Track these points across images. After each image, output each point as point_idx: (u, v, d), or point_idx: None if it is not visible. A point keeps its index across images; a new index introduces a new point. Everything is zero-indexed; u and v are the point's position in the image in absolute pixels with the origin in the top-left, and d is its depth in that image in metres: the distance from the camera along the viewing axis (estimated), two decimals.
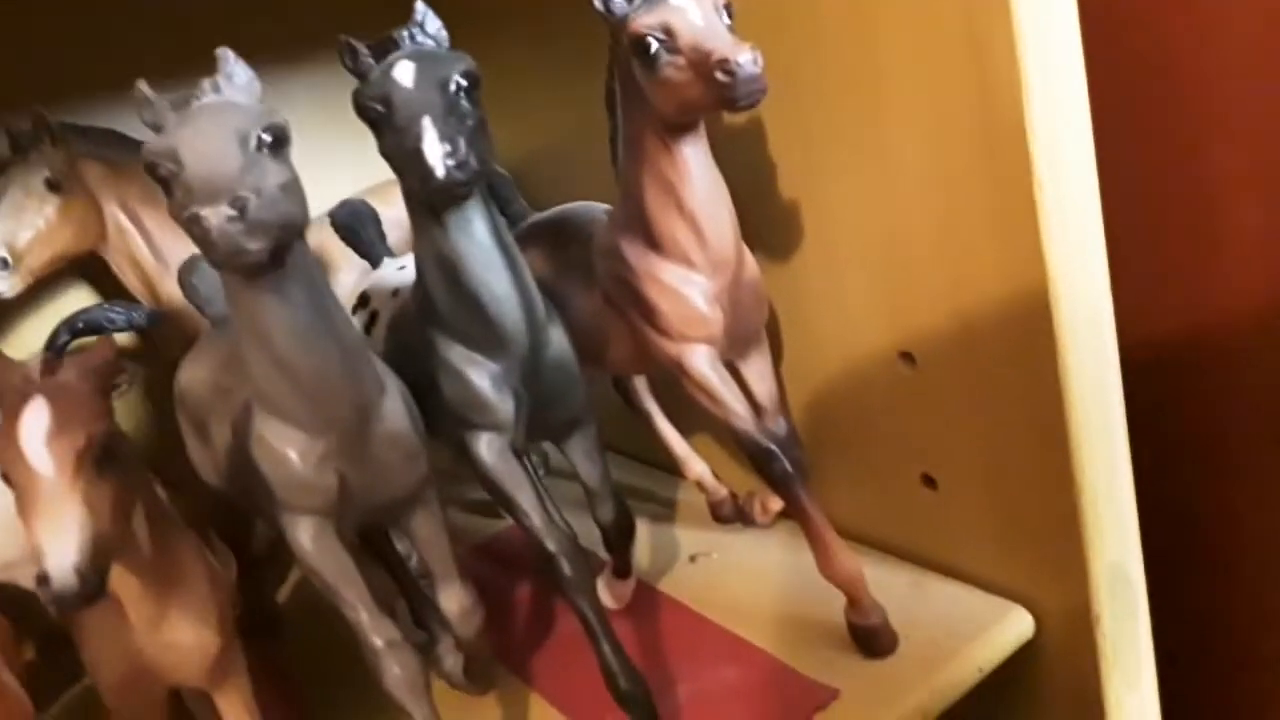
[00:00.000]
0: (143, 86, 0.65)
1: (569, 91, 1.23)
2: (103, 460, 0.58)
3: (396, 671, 0.73)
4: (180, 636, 0.67)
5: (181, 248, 1.11)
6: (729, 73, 0.72)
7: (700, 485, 1.18)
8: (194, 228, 0.58)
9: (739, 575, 1.06)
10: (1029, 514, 0.88)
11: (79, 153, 1.13)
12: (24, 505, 0.55)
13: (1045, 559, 0.89)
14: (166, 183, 0.61)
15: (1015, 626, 0.90)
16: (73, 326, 1.05)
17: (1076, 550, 0.85)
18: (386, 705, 0.78)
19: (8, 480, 0.56)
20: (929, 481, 0.96)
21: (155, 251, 1.16)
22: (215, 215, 0.56)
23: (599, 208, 0.99)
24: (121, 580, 0.62)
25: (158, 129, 0.63)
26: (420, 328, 0.83)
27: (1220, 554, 1.18)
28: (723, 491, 1.17)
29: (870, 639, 0.87)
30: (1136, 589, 0.89)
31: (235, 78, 0.65)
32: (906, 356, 0.93)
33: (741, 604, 1.00)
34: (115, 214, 1.15)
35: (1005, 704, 0.96)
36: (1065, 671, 0.91)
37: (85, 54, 1.22)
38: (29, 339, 1.20)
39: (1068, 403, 0.82)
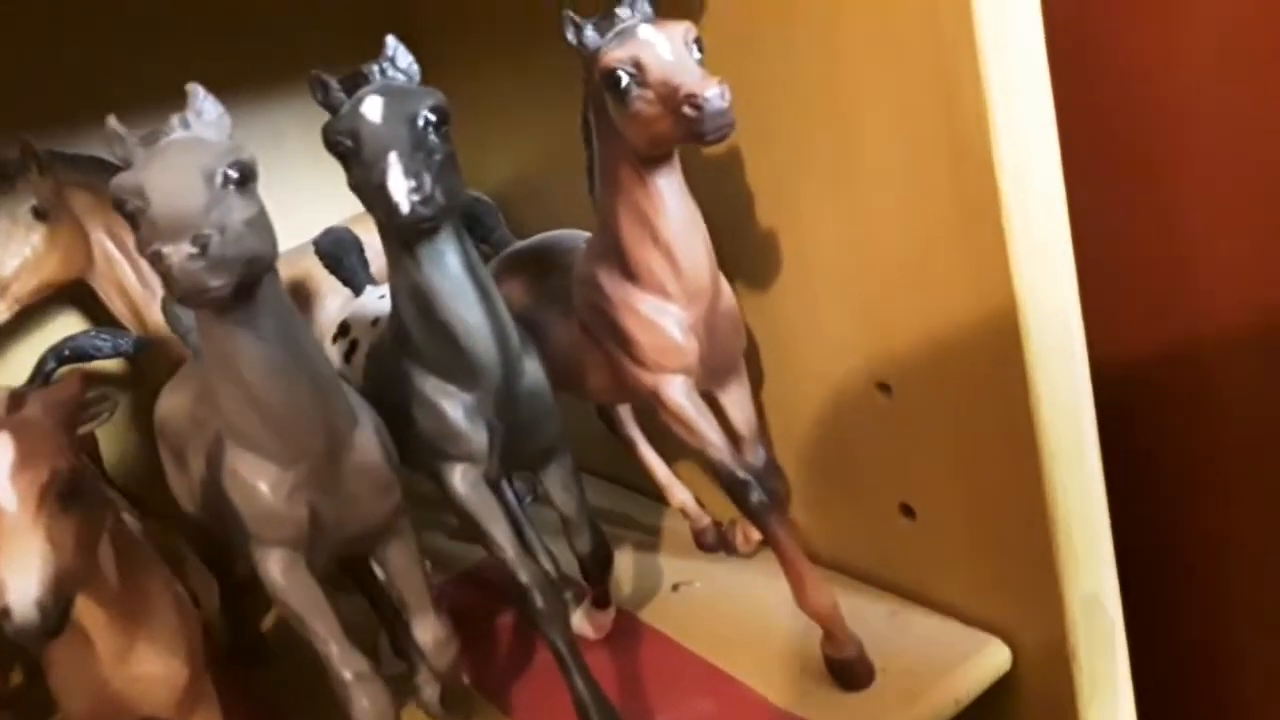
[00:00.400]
0: (112, 122, 0.65)
1: (553, 120, 1.23)
2: (66, 495, 0.58)
3: (365, 704, 0.73)
4: (148, 668, 0.67)
5: None
6: (696, 107, 0.73)
7: (684, 512, 1.18)
8: (157, 265, 0.58)
9: (721, 605, 1.06)
10: (1005, 544, 0.88)
11: (66, 181, 1.15)
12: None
13: (1021, 590, 0.88)
14: (133, 218, 0.62)
15: (992, 659, 0.90)
16: (59, 353, 1.06)
17: (1051, 582, 0.85)
18: None
19: None
20: (907, 511, 0.96)
21: (142, 279, 1.17)
22: (177, 253, 0.57)
23: (581, 236, 1.00)
24: (88, 612, 0.63)
25: (127, 164, 0.64)
26: (395, 359, 0.83)
27: (1201, 576, 1.18)
28: (706, 519, 1.17)
29: (846, 672, 0.87)
30: (1113, 620, 0.89)
31: (205, 113, 0.66)
32: (883, 387, 0.93)
33: (722, 634, 1.00)
34: (102, 241, 1.16)
35: None
36: (1043, 704, 0.90)
37: (74, 83, 1.23)
38: (16, 366, 1.20)
39: (1040, 432, 0.82)
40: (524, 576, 0.81)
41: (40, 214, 1.12)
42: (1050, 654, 0.88)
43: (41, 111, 1.21)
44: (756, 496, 0.86)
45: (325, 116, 0.75)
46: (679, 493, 1.18)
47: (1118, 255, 1.11)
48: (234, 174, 0.62)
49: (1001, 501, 0.87)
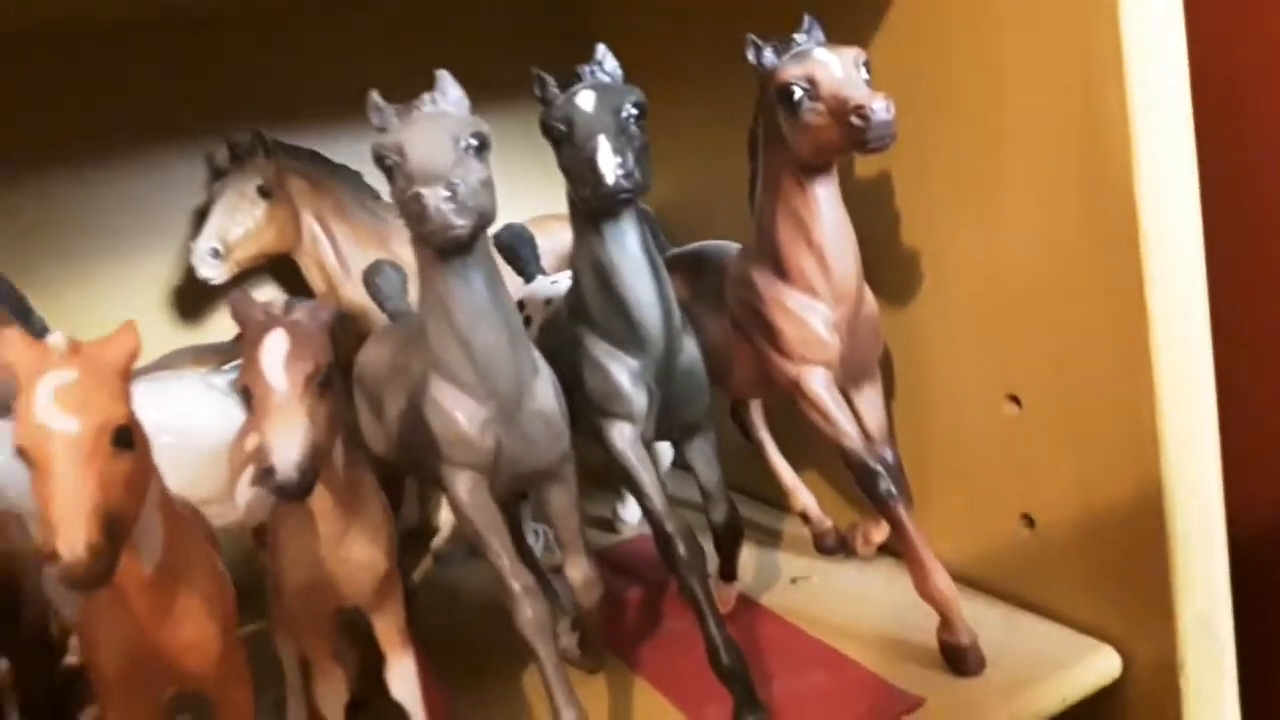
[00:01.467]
0: (374, 96, 0.79)
1: (705, 147, 1.35)
2: (323, 385, 0.70)
3: (529, 614, 0.82)
4: (357, 554, 0.78)
5: (362, 257, 1.27)
6: (864, 117, 0.82)
7: (805, 516, 1.25)
8: (414, 205, 0.70)
9: (837, 597, 1.12)
10: (1122, 559, 0.93)
11: (287, 166, 1.31)
12: (260, 414, 0.67)
13: (1135, 604, 0.92)
14: (391, 171, 0.74)
15: (1102, 664, 0.93)
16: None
17: (1165, 599, 0.89)
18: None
19: (248, 393, 0.69)
20: (1027, 521, 1.01)
21: (340, 259, 1.32)
22: (433, 195, 0.69)
23: (732, 245, 1.09)
24: (317, 496, 0.74)
25: (383, 130, 0.77)
26: (570, 326, 0.94)
27: None
28: (827, 523, 1.23)
29: (959, 657, 0.92)
30: (1223, 639, 0.92)
31: (448, 94, 0.79)
32: (1013, 399, 0.99)
33: (837, 622, 1.06)
34: (310, 223, 1.32)
35: None
36: (1149, 714, 0.94)
37: (293, 86, 1.41)
38: (226, 323, 1.36)
39: (1163, 455, 0.87)
40: (670, 526, 0.89)
41: (264, 192, 1.28)
42: (1159, 668, 0.91)
43: (267, 108, 1.38)
44: (885, 485, 0.92)
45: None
46: (803, 496, 1.25)
47: (1254, 287, 1.15)
48: (474, 142, 0.74)
49: (1121, 517, 0.92)
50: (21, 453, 0.57)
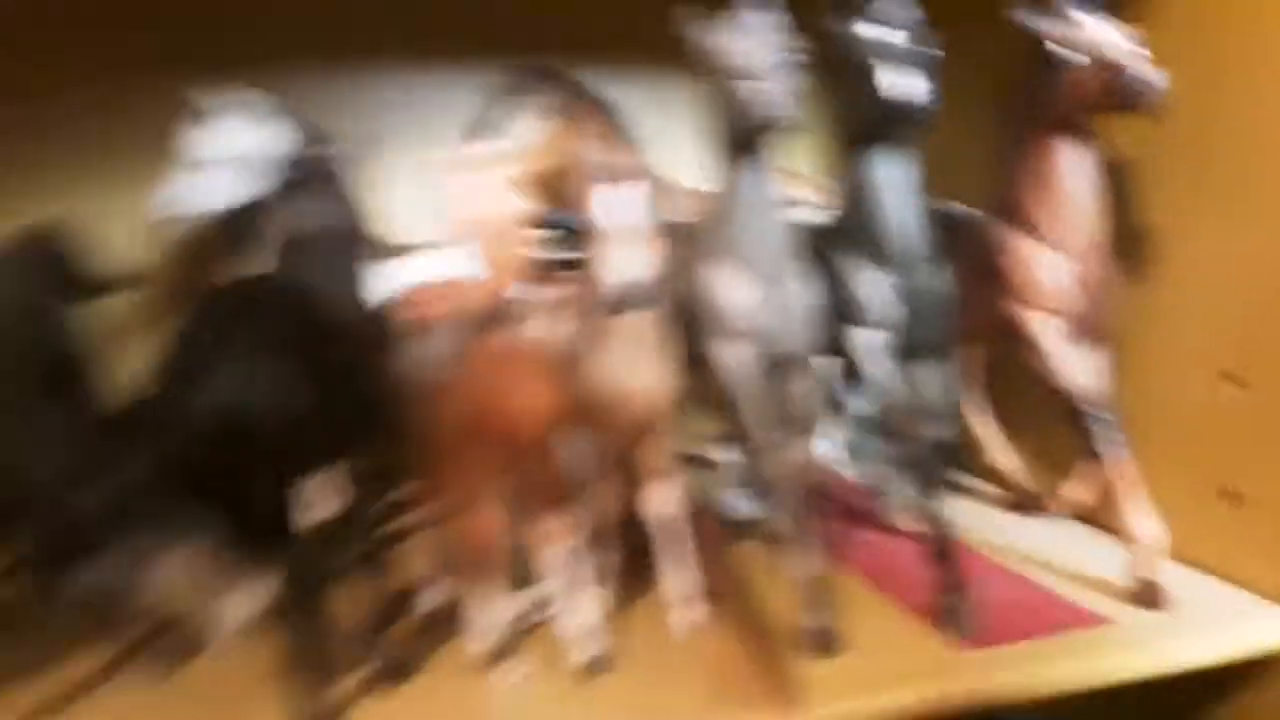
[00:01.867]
0: (688, 13, 0.92)
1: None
2: (659, 235, 0.86)
3: (773, 466, 0.93)
4: (652, 375, 0.92)
5: None
6: (1128, 78, 0.90)
7: (1002, 478, 1.31)
8: (734, 95, 0.84)
9: (1027, 541, 1.19)
10: None
11: (566, 95, 1.48)
12: (607, 243, 0.85)
13: None
14: (710, 70, 0.89)
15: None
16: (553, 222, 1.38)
17: None
18: None
19: (592, 228, 0.85)
20: (1230, 495, 1.06)
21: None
22: (749, 88, 0.83)
23: (972, 210, 1.17)
24: (630, 320, 0.88)
25: (704, 35, 0.91)
26: (831, 240, 1.04)
27: None
28: (1023, 482, 1.30)
29: (1150, 593, 0.98)
30: None
31: (762, 13, 0.92)
32: (1232, 379, 1.04)
33: (1029, 557, 1.14)
34: (584, 148, 1.48)
35: (1255, 707, 1.03)
36: None
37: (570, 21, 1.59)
38: None
39: None
40: (897, 422, 0.98)
41: (552, 113, 1.45)
42: None
43: (546, 40, 1.57)
44: (1105, 431, 0.99)
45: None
46: (1001, 455, 1.31)
47: None
48: (787, 52, 0.88)
49: None
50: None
